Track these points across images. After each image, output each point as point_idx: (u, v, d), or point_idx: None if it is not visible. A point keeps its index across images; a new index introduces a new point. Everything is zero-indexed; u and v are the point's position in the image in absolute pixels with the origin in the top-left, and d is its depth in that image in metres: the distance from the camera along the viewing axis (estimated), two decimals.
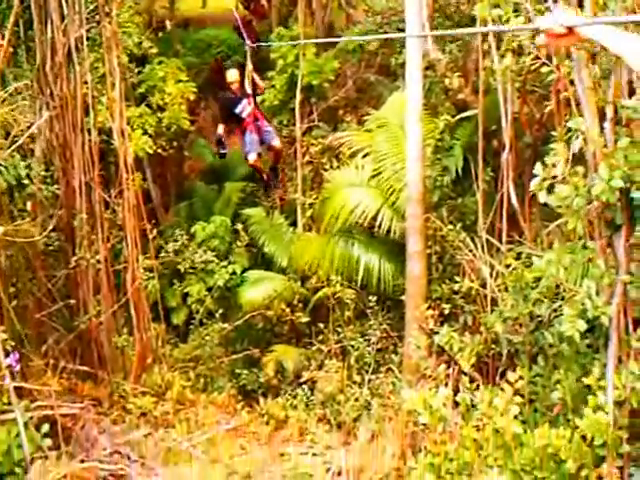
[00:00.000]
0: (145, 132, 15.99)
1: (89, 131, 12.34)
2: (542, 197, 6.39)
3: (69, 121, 12.12)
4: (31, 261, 11.74)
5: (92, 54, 12.57)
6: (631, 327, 6.14)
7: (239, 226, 16.09)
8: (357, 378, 11.63)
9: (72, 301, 11.84)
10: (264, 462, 9.91)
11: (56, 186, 11.68)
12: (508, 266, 8.90)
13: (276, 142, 11.97)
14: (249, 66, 11.15)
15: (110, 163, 13.95)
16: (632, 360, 5.89)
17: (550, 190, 6.47)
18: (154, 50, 16.45)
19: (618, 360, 6.09)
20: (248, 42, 11.05)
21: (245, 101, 11.53)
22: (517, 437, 6.53)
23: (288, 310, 13.94)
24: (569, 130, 6.57)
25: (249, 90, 11.44)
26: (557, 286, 7.53)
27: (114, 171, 13.18)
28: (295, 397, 11.65)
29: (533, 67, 8.16)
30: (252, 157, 11.59)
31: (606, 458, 6.04)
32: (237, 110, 11.52)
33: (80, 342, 11.89)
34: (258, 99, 12.42)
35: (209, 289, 15.10)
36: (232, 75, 11.62)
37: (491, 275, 9.60)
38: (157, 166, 17.43)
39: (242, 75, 11.37)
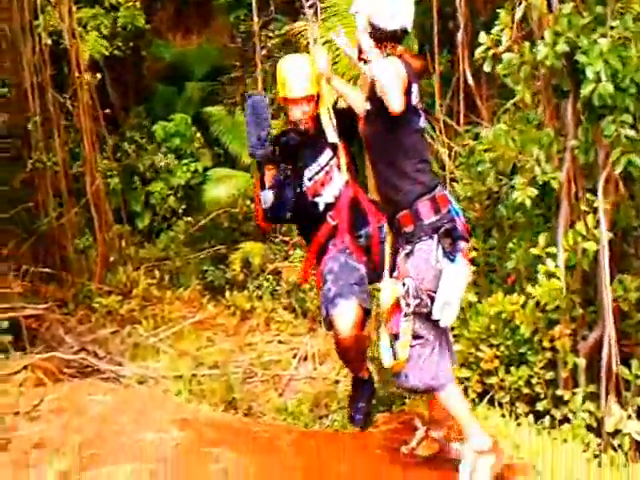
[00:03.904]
0: (100, 34, 15.59)
1: (39, 34, 12.09)
2: (487, 67, 6.33)
3: (18, 22, 11.85)
4: None
5: None
6: (580, 193, 6.13)
7: (200, 125, 15.93)
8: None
9: (30, 204, 11.76)
10: (231, 352, 9.99)
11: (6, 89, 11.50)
12: (465, 146, 8.87)
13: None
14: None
15: (65, 66, 13.68)
16: (580, 221, 5.91)
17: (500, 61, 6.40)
18: None
19: (570, 226, 6.10)
20: None
21: (325, 156, 5.37)
22: (472, 307, 6.61)
23: (253, 207, 13.87)
24: None
25: (332, 134, 5.28)
26: (514, 165, 7.50)
27: (69, 74, 12.97)
28: (260, 288, 11.71)
29: None
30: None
31: (559, 322, 6.11)
32: (307, 179, 5.34)
33: (42, 245, 11.85)
34: None
35: (171, 188, 14.97)
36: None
37: (449, 157, 9.55)
38: (115, 68, 17.00)
39: None
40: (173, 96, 17.51)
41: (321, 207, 5.38)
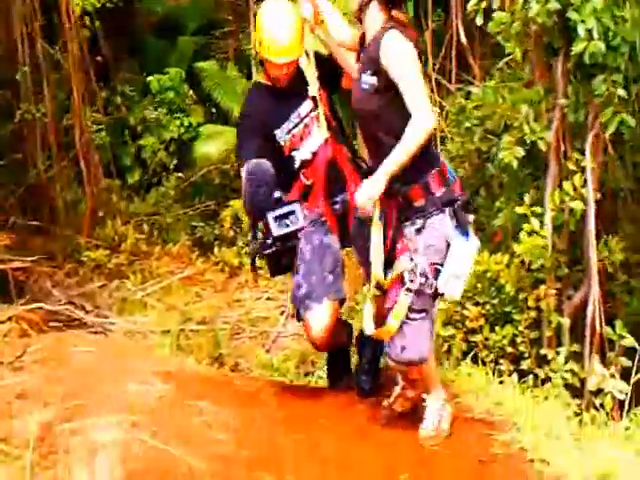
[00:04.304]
0: None
1: None
2: (478, 20, 6.29)
3: None
4: None
5: None
6: (569, 152, 6.11)
7: (193, 80, 15.80)
8: None
9: (19, 155, 11.69)
10: (219, 308, 9.99)
11: None
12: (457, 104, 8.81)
13: None
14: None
15: (56, 16, 13.52)
16: (567, 181, 5.90)
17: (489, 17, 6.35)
18: None
19: (558, 186, 6.08)
20: None
21: (306, 107, 4.98)
22: None
23: None
24: None
25: (314, 87, 4.92)
26: (507, 125, 7.47)
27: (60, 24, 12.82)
28: (249, 245, 11.68)
29: None
30: None
31: (545, 282, 6.13)
32: (286, 133, 4.97)
33: (30, 197, 11.80)
34: None
35: (162, 142, 14.87)
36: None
37: (441, 115, 9.50)
38: (108, 21, 16.80)
39: None
40: (166, 50, 17.35)
41: (297, 163, 5.00)
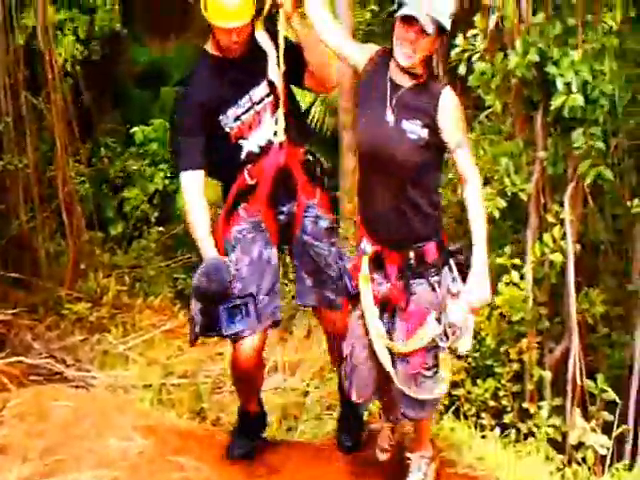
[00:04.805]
0: (77, 38, 15.43)
1: (14, 33, 11.96)
2: (461, 69, 6.38)
3: None
4: None
5: None
6: (549, 205, 6.16)
7: None
8: (292, 276, 11.58)
9: (1, 207, 11.63)
10: (201, 362, 9.89)
11: None
12: None
13: None
14: None
15: (39, 67, 13.57)
16: (547, 233, 5.93)
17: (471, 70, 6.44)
18: None
19: (538, 238, 6.11)
20: None
21: (260, 90, 4.39)
22: None
23: None
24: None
25: (275, 70, 4.34)
26: (487, 178, 7.51)
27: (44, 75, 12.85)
28: None
29: None
30: None
31: (526, 334, 6.14)
32: (233, 119, 4.40)
33: (12, 249, 11.72)
34: None
35: (146, 195, 14.86)
36: None
37: None
38: (90, 71, 16.88)
39: None
40: (149, 101, 17.42)
41: (243, 154, 4.41)
